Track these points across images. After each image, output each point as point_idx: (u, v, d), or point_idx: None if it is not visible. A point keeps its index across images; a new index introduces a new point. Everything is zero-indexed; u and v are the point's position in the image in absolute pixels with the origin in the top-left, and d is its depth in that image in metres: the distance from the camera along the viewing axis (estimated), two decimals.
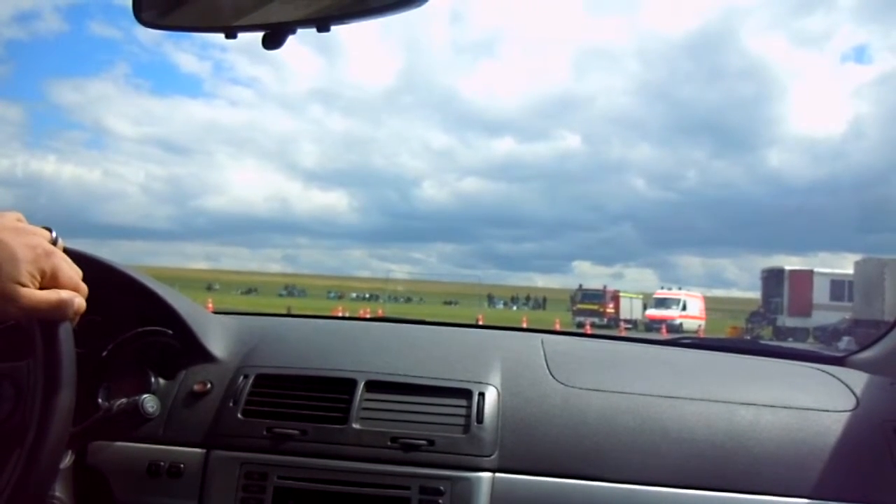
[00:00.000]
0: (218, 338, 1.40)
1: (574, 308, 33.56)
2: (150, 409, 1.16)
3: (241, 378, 1.29)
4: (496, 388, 1.28)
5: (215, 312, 1.61)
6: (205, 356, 1.36)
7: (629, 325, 30.89)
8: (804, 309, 25.73)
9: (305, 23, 0.80)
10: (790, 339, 23.39)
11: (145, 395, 1.16)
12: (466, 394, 1.25)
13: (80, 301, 0.90)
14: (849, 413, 1.25)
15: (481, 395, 1.25)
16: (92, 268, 1.35)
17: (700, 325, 28.69)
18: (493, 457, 1.18)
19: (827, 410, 1.25)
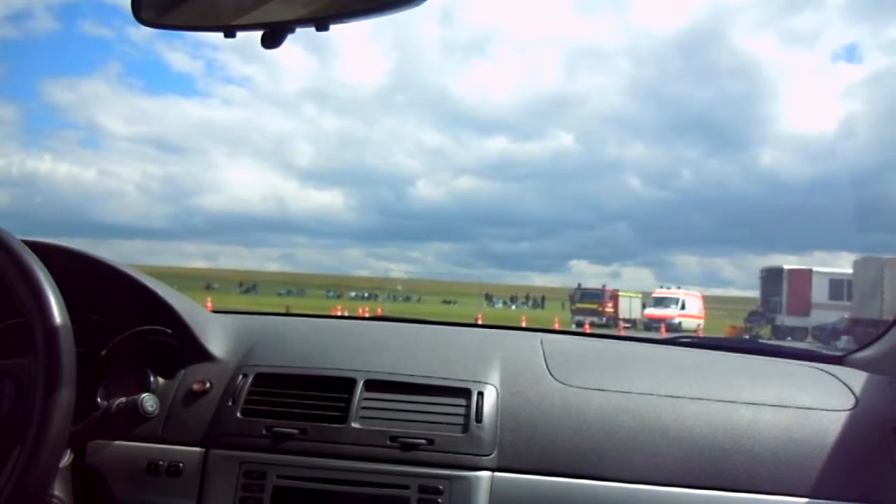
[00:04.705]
0: (217, 337, 1.40)
1: (573, 307, 33.54)
2: (150, 409, 1.16)
3: (241, 377, 1.29)
4: (495, 387, 1.28)
5: (214, 311, 1.61)
6: (204, 355, 1.36)
7: (628, 325, 30.84)
8: (803, 308, 25.72)
9: (304, 22, 0.80)
10: (789, 339, 23.37)
11: (144, 395, 1.16)
12: (466, 393, 1.25)
13: None
14: (848, 412, 1.25)
15: (480, 394, 1.25)
16: (91, 267, 1.36)
17: (699, 325, 28.65)
18: (492, 456, 1.18)
19: (826, 409, 1.26)
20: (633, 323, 32.09)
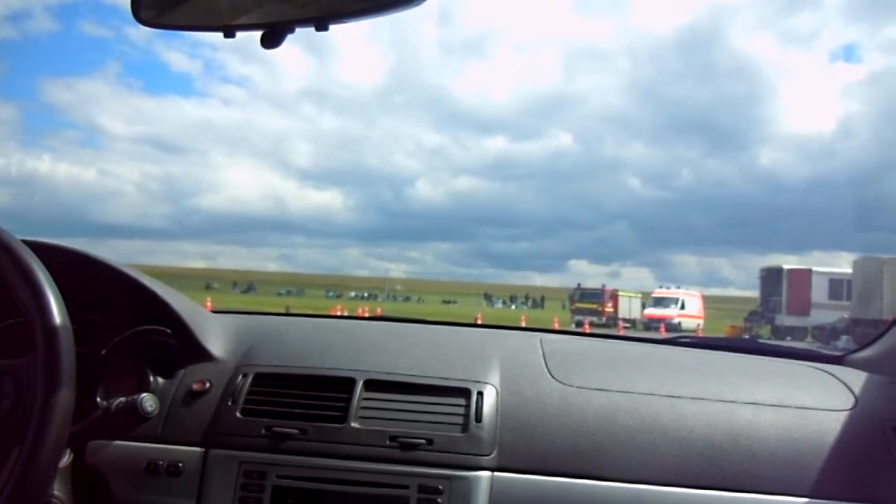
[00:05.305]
0: (217, 337, 1.40)
1: (573, 307, 33.55)
2: (149, 408, 1.16)
3: (240, 377, 1.29)
4: (495, 387, 1.28)
5: (214, 311, 1.61)
6: (203, 355, 1.36)
7: (628, 325, 30.84)
8: (803, 308, 25.74)
9: (304, 22, 0.80)
10: (789, 338, 23.39)
11: (144, 394, 1.16)
12: (465, 393, 1.25)
13: None
14: (847, 412, 1.25)
15: (480, 394, 1.25)
16: (91, 267, 1.36)
17: (699, 324, 28.66)
18: (491, 456, 1.18)
19: (826, 409, 1.26)
20: (632, 323, 32.09)
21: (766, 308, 27.85)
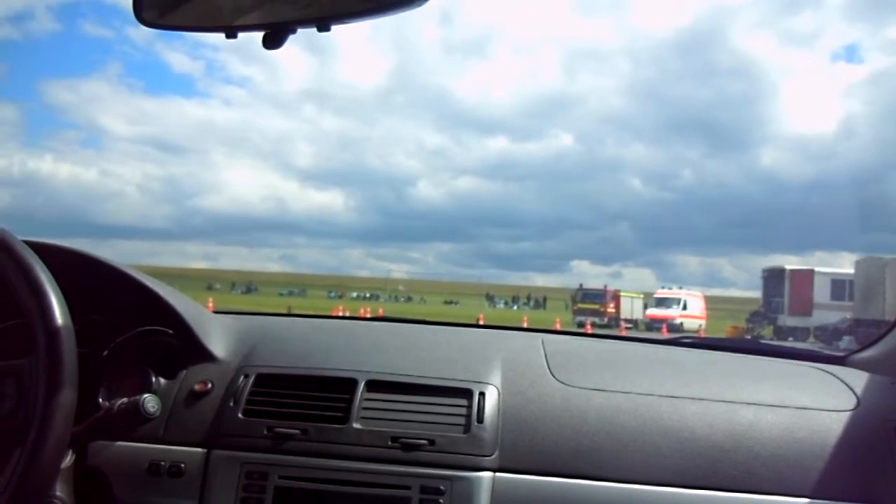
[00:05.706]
0: (218, 337, 1.40)
1: (575, 307, 33.53)
2: (151, 409, 1.16)
3: (242, 378, 1.29)
4: (497, 387, 1.28)
5: (216, 312, 1.61)
6: (205, 356, 1.36)
7: (630, 325, 30.80)
8: (805, 308, 25.70)
9: (305, 22, 0.80)
10: (791, 339, 23.34)
11: (146, 395, 1.16)
12: (467, 393, 1.25)
13: None
14: (849, 412, 1.25)
15: (482, 394, 1.25)
16: (92, 267, 1.36)
17: (701, 325, 28.58)
18: (493, 456, 1.18)
19: (827, 410, 1.25)
20: (634, 323, 32.04)
21: (768, 308, 27.80)
